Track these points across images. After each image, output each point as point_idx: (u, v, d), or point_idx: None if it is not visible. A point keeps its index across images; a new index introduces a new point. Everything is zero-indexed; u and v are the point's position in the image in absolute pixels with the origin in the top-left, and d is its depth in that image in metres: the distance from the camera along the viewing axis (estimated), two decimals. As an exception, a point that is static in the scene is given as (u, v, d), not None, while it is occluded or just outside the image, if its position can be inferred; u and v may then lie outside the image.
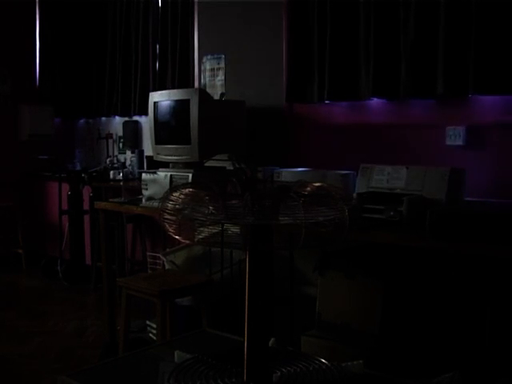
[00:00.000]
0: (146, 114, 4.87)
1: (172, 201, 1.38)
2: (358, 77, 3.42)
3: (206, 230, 1.41)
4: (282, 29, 3.85)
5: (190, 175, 3.30)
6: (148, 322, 3.66)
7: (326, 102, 3.58)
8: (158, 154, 3.61)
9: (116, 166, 5.30)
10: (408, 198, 2.56)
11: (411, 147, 3.25)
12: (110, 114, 5.63)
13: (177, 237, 1.42)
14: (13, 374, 3.37)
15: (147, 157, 4.89)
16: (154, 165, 3.83)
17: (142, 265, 5.06)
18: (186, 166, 3.44)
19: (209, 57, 4.45)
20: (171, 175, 3.39)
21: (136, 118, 5.40)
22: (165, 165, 3.56)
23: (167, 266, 3.62)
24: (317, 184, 1.48)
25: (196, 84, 4.57)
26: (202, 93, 3.46)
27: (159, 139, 3.59)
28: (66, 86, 6.09)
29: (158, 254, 4.30)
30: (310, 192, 1.44)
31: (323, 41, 3.55)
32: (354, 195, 2.76)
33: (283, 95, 3.80)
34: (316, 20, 3.59)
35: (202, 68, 4.51)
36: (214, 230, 1.41)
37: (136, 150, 5.20)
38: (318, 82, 3.58)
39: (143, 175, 3.58)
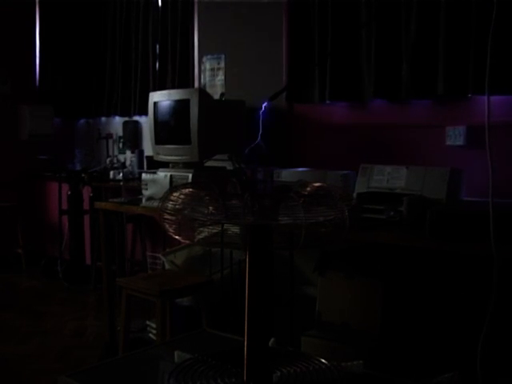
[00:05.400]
0: (146, 113, 4.86)
1: (172, 201, 1.38)
2: (360, 77, 3.42)
3: (205, 230, 1.41)
4: (282, 29, 3.85)
5: (190, 175, 3.30)
6: (148, 322, 3.66)
7: (327, 102, 3.58)
8: (158, 154, 3.61)
9: (116, 166, 5.30)
10: (408, 197, 2.56)
11: (411, 147, 3.25)
12: (110, 113, 5.63)
13: (177, 237, 1.42)
14: (13, 374, 3.37)
15: (147, 157, 4.89)
16: (154, 165, 3.83)
17: (142, 265, 5.06)
18: (185, 166, 3.43)
19: (209, 57, 4.45)
20: (171, 175, 3.39)
21: (136, 117, 5.40)
22: (165, 165, 3.56)
23: (167, 266, 3.62)
24: (317, 184, 1.48)
25: (196, 84, 4.57)
26: (202, 93, 3.46)
27: (159, 139, 3.59)
28: (66, 86, 6.08)
29: (158, 254, 4.30)
30: (310, 192, 1.44)
31: (324, 41, 3.56)
32: (354, 195, 2.76)
33: (283, 95, 3.80)
34: (317, 20, 3.59)
35: (202, 68, 4.51)
36: (214, 230, 1.41)
37: (136, 150, 5.20)
38: (320, 82, 3.58)
39: (143, 175, 3.58)
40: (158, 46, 5.01)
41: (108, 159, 5.48)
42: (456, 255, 2.37)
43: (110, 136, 5.65)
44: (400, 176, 2.80)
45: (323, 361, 1.49)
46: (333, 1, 3.49)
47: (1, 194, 5.83)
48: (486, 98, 2.34)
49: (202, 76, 4.51)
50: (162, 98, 3.59)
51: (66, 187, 5.38)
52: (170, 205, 1.38)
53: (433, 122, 3.17)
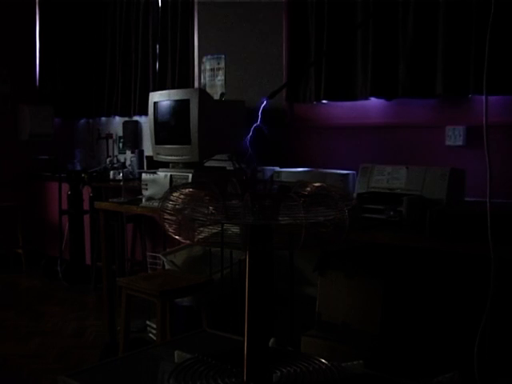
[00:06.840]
0: (146, 114, 4.87)
1: (172, 201, 1.38)
2: (357, 76, 3.42)
3: (205, 230, 1.41)
4: (282, 29, 3.85)
5: (190, 175, 3.30)
6: (148, 322, 3.66)
7: (324, 101, 3.58)
8: (158, 154, 3.60)
9: (116, 166, 5.30)
10: (408, 197, 2.56)
11: (411, 147, 3.25)
12: (110, 113, 5.63)
13: (177, 237, 1.42)
14: (13, 374, 3.37)
15: (147, 157, 4.89)
16: (154, 165, 3.83)
17: (142, 265, 5.06)
18: (185, 166, 3.43)
19: (209, 57, 4.45)
20: (171, 175, 3.39)
21: (136, 118, 5.40)
22: (165, 165, 3.56)
23: (167, 266, 3.62)
24: (317, 184, 1.48)
25: (196, 84, 4.57)
26: (202, 93, 3.45)
27: (159, 139, 3.59)
28: (66, 86, 6.09)
29: (158, 254, 4.30)
30: (310, 192, 1.44)
31: (322, 40, 3.55)
32: (354, 195, 2.76)
33: (283, 95, 3.80)
34: (314, 20, 3.59)
35: (202, 68, 4.51)
36: (213, 230, 1.40)
37: (136, 150, 5.20)
38: (319, 82, 3.58)
39: (143, 175, 3.58)
40: (157, 46, 5.01)
41: (108, 159, 5.48)
42: (456, 255, 2.37)
43: (110, 136, 5.66)
44: (400, 176, 2.80)
45: (323, 361, 1.49)
46: (330, 1, 3.48)
47: (1, 194, 5.83)
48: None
49: (202, 76, 4.51)
50: (161, 98, 3.59)
51: (66, 187, 5.38)
52: (169, 205, 1.38)
53: (433, 122, 3.17)
